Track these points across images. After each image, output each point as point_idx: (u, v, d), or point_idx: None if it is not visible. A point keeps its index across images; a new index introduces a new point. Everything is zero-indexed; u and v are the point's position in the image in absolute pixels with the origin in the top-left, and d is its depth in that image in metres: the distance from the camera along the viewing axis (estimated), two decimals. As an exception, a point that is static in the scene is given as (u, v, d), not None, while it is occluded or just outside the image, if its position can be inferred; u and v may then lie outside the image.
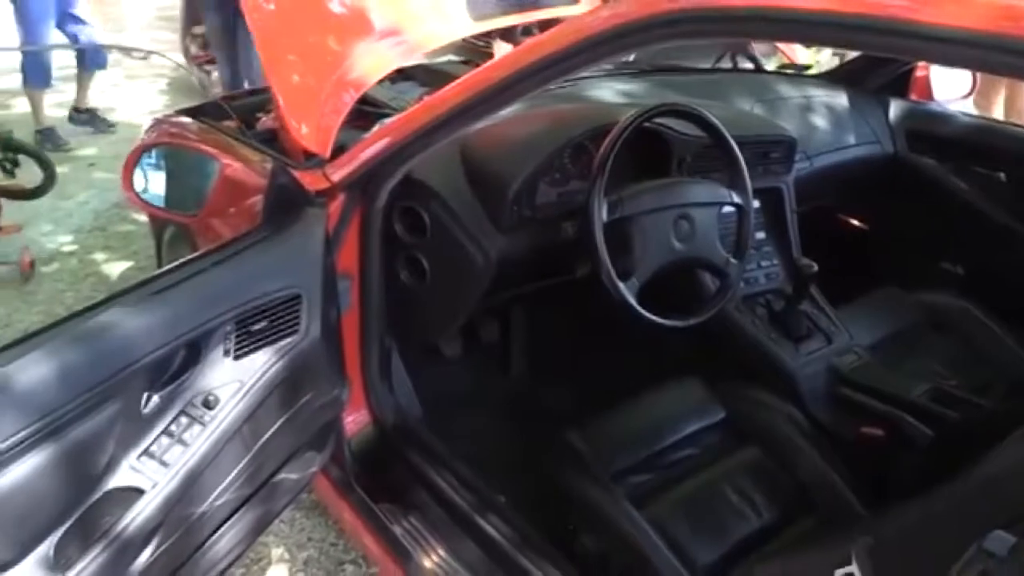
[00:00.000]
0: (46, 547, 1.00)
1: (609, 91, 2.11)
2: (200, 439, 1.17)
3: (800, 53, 3.04)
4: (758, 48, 2.86)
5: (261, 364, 1.25)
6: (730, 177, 1.68)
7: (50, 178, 3.34)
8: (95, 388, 1.01)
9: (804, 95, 2.36)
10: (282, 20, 1.75)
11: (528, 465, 1.69)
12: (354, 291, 1.60)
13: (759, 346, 1.86)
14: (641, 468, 1.60)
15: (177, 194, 1.81)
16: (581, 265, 1.67)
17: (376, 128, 1.70)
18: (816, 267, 1.80)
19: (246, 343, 1.23)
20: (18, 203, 3.41)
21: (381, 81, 1.87)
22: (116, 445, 1.08)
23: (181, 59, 5.18)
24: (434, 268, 1.61)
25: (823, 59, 3.60)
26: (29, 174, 3.37)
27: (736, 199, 1.67)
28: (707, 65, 2.70)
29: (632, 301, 1.52)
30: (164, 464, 1.13)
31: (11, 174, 3.32)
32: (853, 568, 1.03)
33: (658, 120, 1.65)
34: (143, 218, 3.68)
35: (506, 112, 1.47)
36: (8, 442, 0.92)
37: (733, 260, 1.67)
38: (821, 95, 2.38)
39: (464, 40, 2.54)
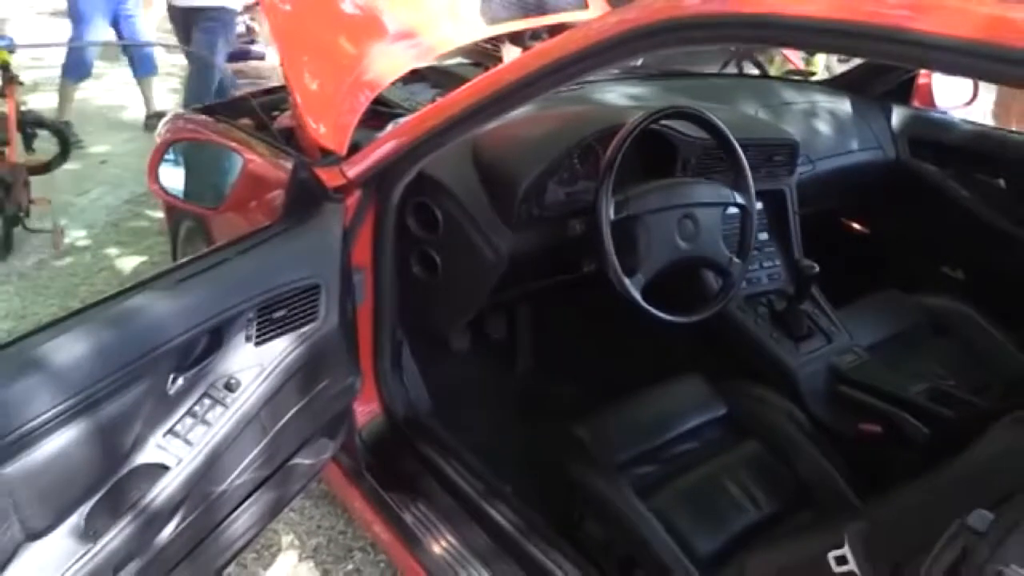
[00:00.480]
0: (77, 517, 1.05)
1: (617, 94, 2.16)
2: (222, 420, 1.22)
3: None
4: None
5: (281, 350, 1.31)
6: (734, 179, 1.73)
7: (65, 150, 3.65)
8: (126, 368, 1.06)
9: (808, 101, 2.41)
10: (300, 22, 1.79)
11: (534, 456, 1.74)
12: (367, 284, 1.65)
13: (761, 344, 1.90)
14: (644, 460, 1.64)
15: (201, 187, 1.86)
16: (588, 262, 1.72)
17: (390, 127, 1.75)
18: (817, 268, 1.84)
19: (267, 330, 1.29)
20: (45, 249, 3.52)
21: (394, 82, 1.92)
22: (143, 423, 1.13)
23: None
24: (446, 263, 1.66)
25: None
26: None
27: (739, 200, 1.72)
28: (713, 70, 2.75)
29: (637, 297, 1.56)
30: (188, 443, 1.18)
31: (31, 149, 3.55)
32: (845, 550, 1.08)
33: (664, 122, 1.70)
34: (155, 214, 3.75)
35: (517, 113, 1.52)
36: (45, 416, 0.97)
37: (736, 260, 1.72)
38: (825, 101, 2.43)
39: (474, 44, 2.59)
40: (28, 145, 3.52)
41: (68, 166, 4.28)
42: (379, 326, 1.70)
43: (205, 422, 1.20)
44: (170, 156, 1.81)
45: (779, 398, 1.78)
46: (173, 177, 1.83)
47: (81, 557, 1.05)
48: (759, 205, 1.87)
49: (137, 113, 5.16)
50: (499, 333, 2.30)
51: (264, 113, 2.18)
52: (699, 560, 1.45)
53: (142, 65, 4.91)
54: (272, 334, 1.30)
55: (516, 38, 3.55)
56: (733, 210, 1.74)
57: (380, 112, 2.02)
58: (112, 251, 3.51)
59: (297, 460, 1.47)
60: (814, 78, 3.04)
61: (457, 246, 1.63)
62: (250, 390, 1.26)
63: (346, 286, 1.45)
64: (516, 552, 1.50)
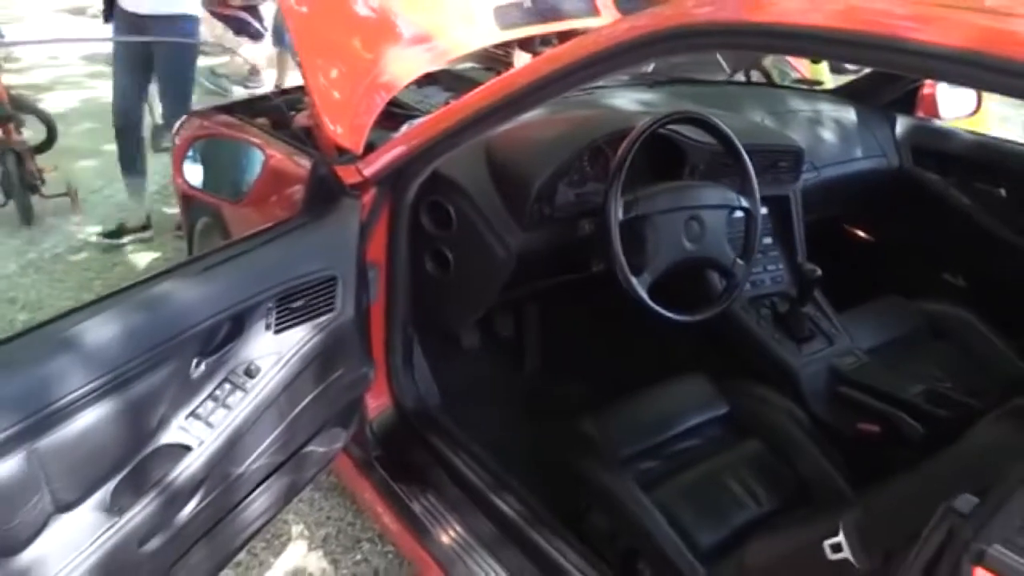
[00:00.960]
0: (104, 492, 1.10)
1: (626, 99, 2.20)
2: (242, 404, 1.27)
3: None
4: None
5: (299, 339, 1.36)
6: (740, 183, 1.77)
7: (51, 135, 3.82)
8: (153, 350, 1.12)
9: (814, 109, 2.45)
10: (318, 26, 1.84)
11: (541, 452, 1.78)
12: (381, 280, 1.70)
13: (763, 345, 1.94)
14: (649, 455, 1.68)
15: (224, 181, 1.91)
16: (596, 261, 1.77)
17: (405, 128, 1.80)
18: (819, 271, 1.88)
19: (286, 318, 1.34)
20: (63, 215, 3.72)
21: (408, 85, 1.97)
22: (168, 405, 1.18)
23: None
24: (458, 260, 1.71)
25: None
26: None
27: (745, 204, 1.76)
28: (721, 78, 2.79)
29: (644, 295, 1.61)
30: (209, 425, 1.23)
31: (19, 132, 3.70)
32: (840, 538, 1.12)
33: (673, 127, 1.75)
34: (168, 210, 3.81)
35: (529, 116, 1.57)
36: (78, 393, 1.02)
37: (740, 261, 1.76)
38: (830, 110, 2.47)
39: (485, 49, 2.64)
40: (16, 129, 3.70)
41: (84, 163, 4.37)
42: (391, 322, 1.74)
43: (226, 406, 1.25)
44: (198, 150, 1.86)
45: (780, 398, 1.82)
46: (193, 173, 1.88)
47: (107, 530, 1.10)
48: (764, 210, 1.91)
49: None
50: (508, 331, 2.34)
51: (283, 114, 2.25)
52: (700, 552, 1.48)
53: None
54: (290, 323, 1.35)
55: (526, 44, 3.61)
56: (739, 214, 1.78)
57: (394, 113, 2.07)
58: (127, 246, 3.57)
59: (311, 447, 1.51)
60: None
61: (469, 243, 1.68)
62: (269, 376, 1.31)
63: (361, 280, 1.50)
64: (522, 542, 1.55)
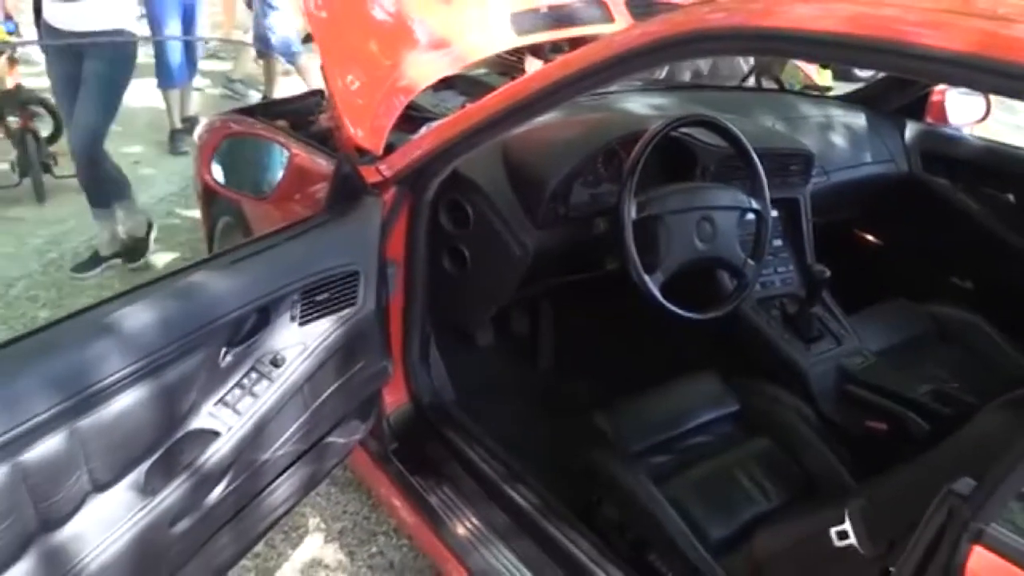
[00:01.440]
0: (137, 474, 1.15)
1: (640, 103, 2.24)
2: (268, 393, 1.31)
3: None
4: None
5: (323, 330, 1.40)
6: (751, 185, 1.81)
7: (58, 127, 3.98)
8: (185, 338, 1.16)
9: (824, 114, 2.49)
10: (340, 33, 1.89)
11: (554, 446, 1.82)
12: (399, 277, 1.75)
13: (773, 345, 1.97)
14: (660, 450, 1.72)
15: (251, 178, 1.96)
16: (610, 260, 1.81)
17: (424, 130, 1.85)
18: (828, 273, 1.92)
19: (310, 311, 1.38)
20: (70, 194, 3.75)
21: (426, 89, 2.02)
22: (198, 391, 1.23)
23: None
24: (475, 257, 1.76)
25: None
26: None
27: (755, 205, 1.80)
28: (733, 83, 2.84)
29: (656, 293, 1.65)
30: (237, 412, 1.27)
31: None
32: (846, 526, 1.16)
33: (685, 130, 1.79)
34: (187, 212, 3.87)
35: (545, 118, 1.61)
36: (116, 376, 1.07)
37: (750, 261, 1.80)
38: (840, 115, 2.50)
39: (498, 54, 2.69)
40: (31, 117, 3.97)
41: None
42: (409, 318, 1.79)
43: (253, 394, 1.30)
44: (225, 149, 1.91)
45: (789, 396, 1.85)
46: (220, 172, 1.93)
47: (140, 510, 1.15)
48: (774, 213, 1.95)
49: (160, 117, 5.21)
50: (522, 329, 2.39)
51: (301, 116, 2.30)
52: (710, 544, 1.52)
53: (170, 74, 4.66)
54: (315, 315, 1.40)
55: (537, 51, 3.66)
56: (749, 215, 1.82)
57: (411, 116, 2.12)
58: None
59: (332, 438, 1.56)
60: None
61: (486, 241, 1.72)
62: (293, 367, 1.36)
63: (382, 276, 1.55)
64: (536, 532, 1.59)
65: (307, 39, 5.69)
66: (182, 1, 4.48)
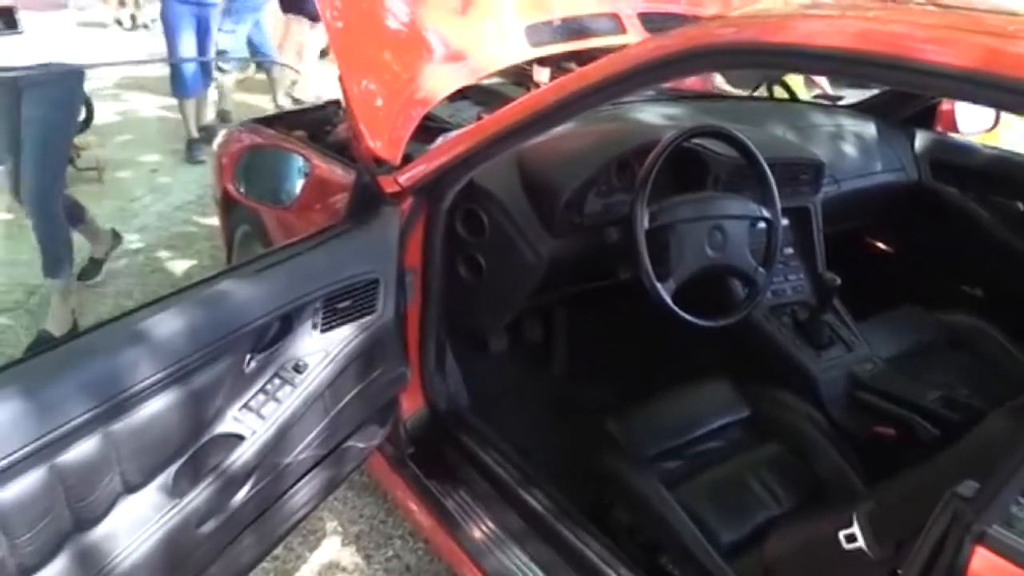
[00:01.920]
0: (166, 476, 1.19)
1: (653, 114, 2.28)
2: (290, 399, 1.35)
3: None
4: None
5: (344, 337, 1.44)
6: (761, 194, 1.84)
7: (89, 113, 4.20)
8: (212, 345, 1.20)
9: (835, 124, 2.52)
10: (357, 44, 1.93)
11: (567, 450, 1.85)
12: (416, 285, 1.78)
13: (784, 352, 2.00)
14: (672, 455, 1.75)
15: (273, 188, 2.01)
16: (623, 269, 1.84)
17: (440, 140, 1.89)
18: (839, 280, 1.94)
19: (332, 318, 1.42)
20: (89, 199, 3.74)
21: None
22: (224, 397, 1.27)
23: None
24: (490, 265, 1.79)
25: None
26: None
27: (766, 214, 1.82)
28: (744, 94, 2.86)
29: (669, 301, 1.68)
30: (261, 417, 1.31)
31: None
32: (855, 529, 1.19)
33: (697, 140, 1.83)
34: (204, 220, 3.93)
35: (559, 129, 1.65)
36: (147, 382, 1.11)
37: (761, 269, 1.82)
38: (851, 124, 2.53)
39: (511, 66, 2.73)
40: None
41: (120, 173, 4.52)
42: (426, 324, 1.82)
43: (276, 399, 1.34)
44: (246, 160, 1.96)
45: (800, 402, 1.87)
46: (241, 182, 1.98)
47: (169, 511, 1.19)
48: (785, 221, 1.98)
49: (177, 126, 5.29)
50: (536, 336, 2.42)
51: (319, 126, 2.35)
52: (721, 548, 1.54)
53: (184, 84, 4.76)
54: (336, 323, 1.43)
55: (544, 60, 3.69)
56: (760, 224, 1.85)
57: (428, 127, 2.16)
58: (163, 254, 3.68)
59: (351, 443, 1.60)
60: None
61: (502, 250, 1.76)
62: (315, 373, 1.40)
63: (400, 284, 1.58)
64: (549, 535, 1.62)
65: (323, 54, 5.76)
66: (195, 12, 4.55)
